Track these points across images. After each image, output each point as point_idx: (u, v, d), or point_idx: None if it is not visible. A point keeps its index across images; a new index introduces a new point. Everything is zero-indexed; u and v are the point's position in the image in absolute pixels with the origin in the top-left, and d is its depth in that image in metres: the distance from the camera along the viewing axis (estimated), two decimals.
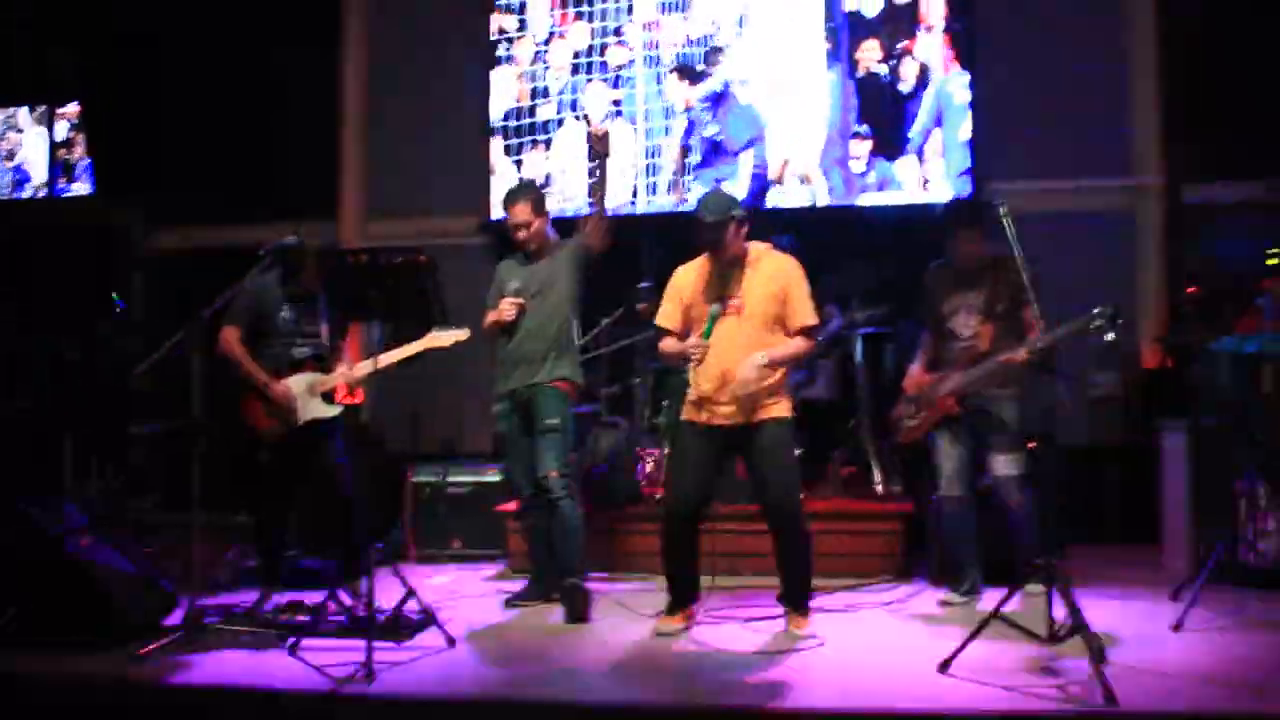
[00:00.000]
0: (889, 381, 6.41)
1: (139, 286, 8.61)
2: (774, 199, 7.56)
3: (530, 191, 5.59)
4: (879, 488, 6.32)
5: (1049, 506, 5.00)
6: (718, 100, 7.60)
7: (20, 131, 9.07)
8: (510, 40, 7.97)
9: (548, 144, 7.84)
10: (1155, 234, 7.40)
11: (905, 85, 7.35)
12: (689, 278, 4.95)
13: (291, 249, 5.44)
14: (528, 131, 7.82)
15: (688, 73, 7.63)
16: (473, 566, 6.57)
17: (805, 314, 4.81)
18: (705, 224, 4.74)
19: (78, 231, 8.46)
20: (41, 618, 4.76)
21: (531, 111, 7.81)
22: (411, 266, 4.59)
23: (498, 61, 7.97)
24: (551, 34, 7.81)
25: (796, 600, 4.87)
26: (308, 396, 5.49)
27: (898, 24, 7.33)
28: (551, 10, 7.83)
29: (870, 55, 7.39)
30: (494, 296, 5.55)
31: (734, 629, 4.95)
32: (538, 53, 7.85)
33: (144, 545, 5.94)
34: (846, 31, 7.41)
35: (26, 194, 9.01)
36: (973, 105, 7.30)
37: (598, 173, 5.23)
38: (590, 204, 5.49)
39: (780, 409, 4.82)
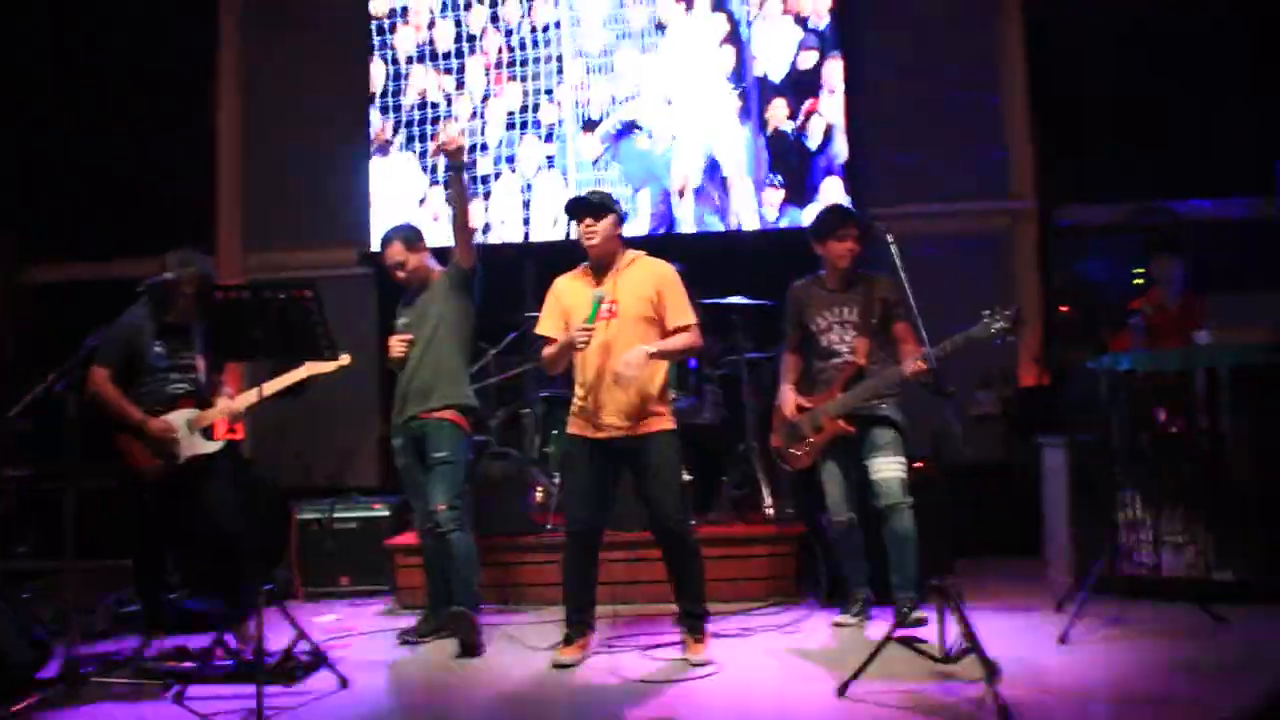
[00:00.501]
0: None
1: (9, 323, 8.29)
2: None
3: (400, 231, 5.48)
4: (769, 510, 6.34)
5: (941, 526, 5.08)
6: (616, 138, 7.92)
7: None
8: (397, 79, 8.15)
9: (487, 195, 8.06)
10: (1029, 255, 7.61)
11: (812, 141, 7.75)
12: (566, 285, 4.96)
13: (165, 283, 5.28)
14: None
15: (590, 125, 8.00)
16: (362, 603, 6.45)
17: (682, 313, 4.81)
18: (586, 201, 4.80)
19: None
20: None
21: (472, 165, 8.01)
22: (296, 301, 4.47)
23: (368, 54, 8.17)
24: (487, 94, 8.13)
25: (693, 622, 4.85)
26: (187, 433, 5.34)
27: (802, 86, 7.75)
28: (487, 72, 8.13)
29: (778, 114, 7.79)
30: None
31: (632, 657, 4.92)
32: (475, 110, 8.13)
33: (18, 594, 5.69)
34: (756, 93, 7.83)
35: None
36: (849, 132, 7.57)
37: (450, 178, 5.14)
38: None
39: (666, 422, 4.83)
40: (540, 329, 4.97)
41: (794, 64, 7.75)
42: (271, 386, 5.29)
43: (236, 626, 5.17)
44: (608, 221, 4.80)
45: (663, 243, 7.15)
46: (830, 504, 5.27)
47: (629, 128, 7.91)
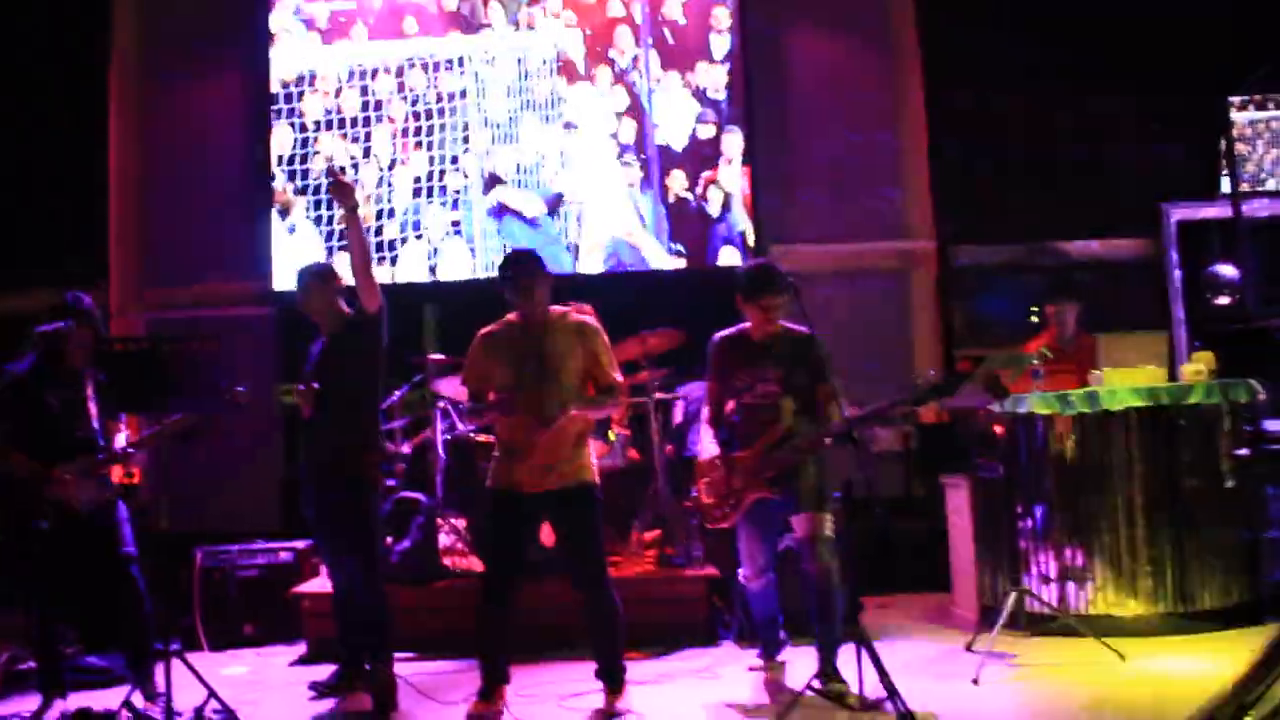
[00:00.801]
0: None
1: None
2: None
3: (307, 274, 5.31)
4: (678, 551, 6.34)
5: (850, 564, 5.14)
6: (497, 214, 8.08)
7: None
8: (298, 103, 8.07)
9: (394, 260, 8.07)
10: (927, 295, 7.77)
11: (712, 209, 7.94)
12: (492, 339, 4.89)
13: (59, 332, 5.12)
14: (376, 250, 7.92)
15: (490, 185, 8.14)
16: (269, 651, 6.29)
17: (610, 372, 4.85)
18: (521, 274, 4.73)
19: None
20: None
21: (379, 230, 8.04)
22: (194, 353, 4.39)
23: (275, 117, 8.09)
24: (394, 161, 8.14)
25: (612, 674, 4.83)
26: (84, 481, 5.17)
27: (702, 157, 7.95)
28: (394, 139, 8.14)
29: (679, 183, 7.96)
30: None
31: (550, 708, 4.89)
32: (381, 178, 8.13)
33: None
34: (658, 162, 7.99)
35: None
36: (751, 168, 7.77)
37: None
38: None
39: (589, 474, 4.83)
40: (464, 382, 4.95)
41: (693, 134, 7.94)
42: (167, 430, 5.12)
43: (142, 684, 5.05)
44: (541, 287, 4.80)
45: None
46: (748, 565, 5.19)
47: (500, 211, 8.06)
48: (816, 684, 4.66)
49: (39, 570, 5.19)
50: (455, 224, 8.08)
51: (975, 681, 4.89)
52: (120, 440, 5.33)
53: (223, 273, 7.95)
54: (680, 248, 7.90)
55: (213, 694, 4.60)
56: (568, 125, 8.02)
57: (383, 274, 7.83)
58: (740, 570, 5.36)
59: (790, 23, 7.97)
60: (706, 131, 7.91)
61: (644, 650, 5.64)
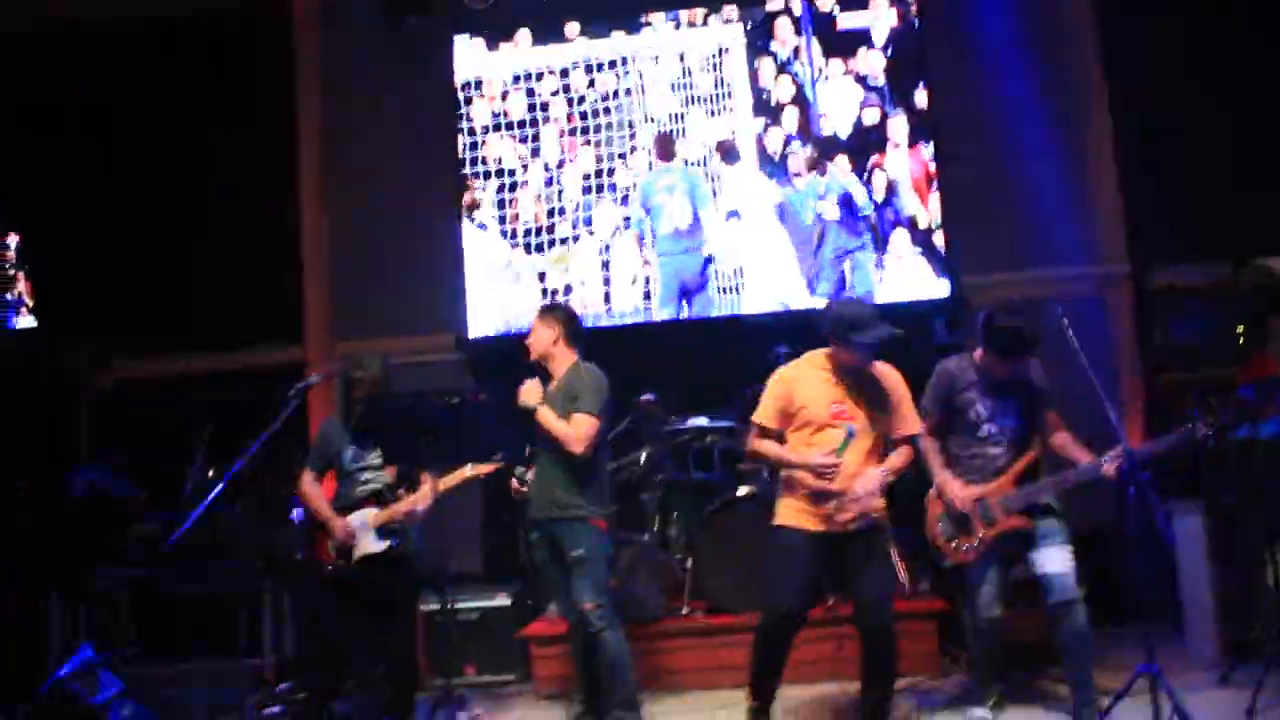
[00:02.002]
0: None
1: (85, 421, 8.22)
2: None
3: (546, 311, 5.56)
4: (904, 585, 6.26)
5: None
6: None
7: None
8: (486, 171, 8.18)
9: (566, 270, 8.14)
10: (1126, 319, 7.62)
11: (877, 195, 7.83)
12: (802, 379, 4.85)
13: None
14: (548, 246, 8.11)
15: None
16: (496, 693, 6.38)
17: (913, 423, 4.85)
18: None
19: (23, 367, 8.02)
20: None
21: (550, 228, 8.13)
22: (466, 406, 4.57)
23: (467, 175, 8.17)
24: (562, 161, 8.20)
25: (880, 712, 4.78)
26: (363, 533, 5.43)
27: (867, 142, 7.88)
28: (560, 138, 8.21)
29: (843, 169, 7.88)
30: None
31: None
32: (550, 177, 8.20)
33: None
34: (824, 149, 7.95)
35: None
36: (943, 206, 7.65)
37: None
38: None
39: (883, 517, 4.84)
40: (758, 418, 4.89)
41: (858, 121, 7.88)
42: (444, 485, 5.45)
43: None
44: None
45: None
46: (982, 601, 5.07)
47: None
48: None
49: (329, 616, 5.43)
50: (625, 219, 8.10)
51: (1250, 714, 4.72)
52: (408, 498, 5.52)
53: (414, 323, 8.06)
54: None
55: None
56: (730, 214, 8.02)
57: (556, 272, 8.03)
58: (971, 603, 5.18)
59: (978, 50, 7.93)
60: (871, 117, 7.85)
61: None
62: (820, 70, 7.96)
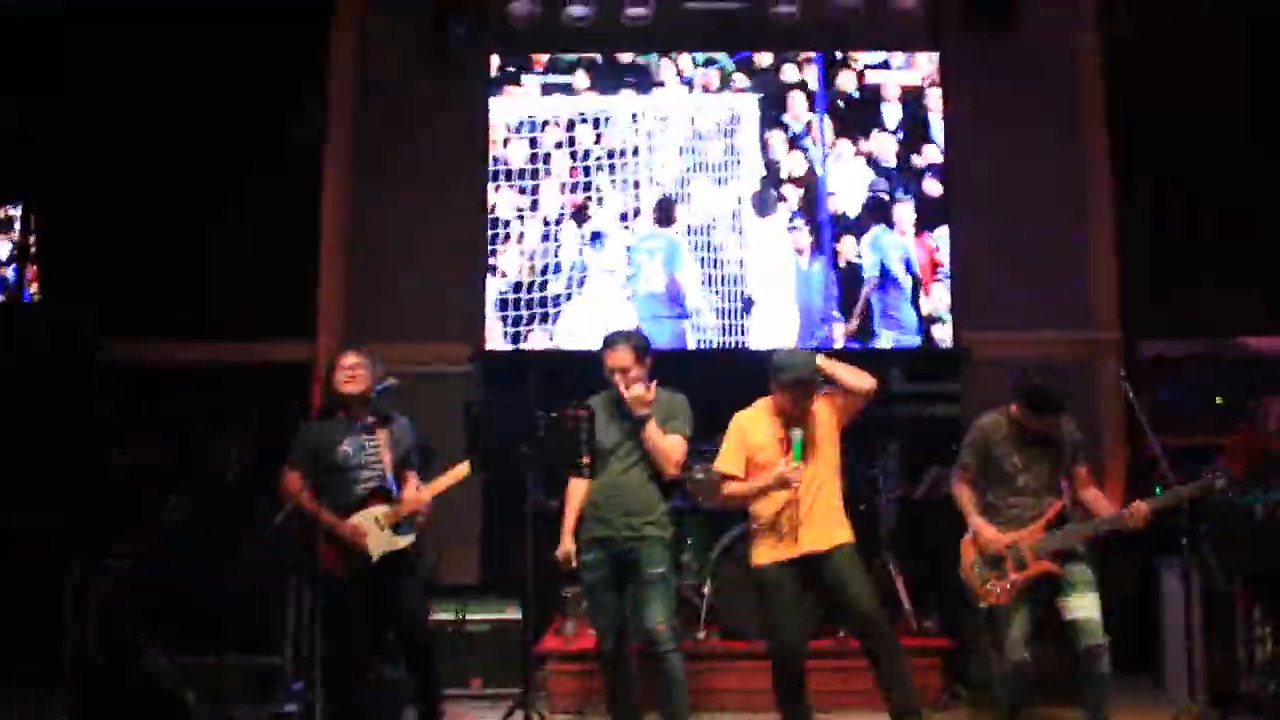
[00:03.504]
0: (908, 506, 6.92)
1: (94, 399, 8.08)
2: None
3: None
4: (910, 621, 6.53)
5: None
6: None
7: None
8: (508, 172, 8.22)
9: (556, 317, 8.14)
10: (1112, 385, 7.96)
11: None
12: (754, 422, 5.27)
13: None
14: (540, 305, 8.15)
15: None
16: (500, 706, 6.37)
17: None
18: (800, 379, 5.09)
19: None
20: None
21: (544, 285, 8.16)
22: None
23: (490, 179, 8.20)
24: (561, 216, 8.23)
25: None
26: (377, 530, 5.35)
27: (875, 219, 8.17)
28: (562, 192, 8.25)
29: (849, 249, 8.16)
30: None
31: None
32: (547, 232, 8.21)
33: None
34: (830, 229, 8.16)
35: None
36: (952, 266, 8.03)
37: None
38: None
39: (849, 534, 5.21)
40: (720, 465, 5.23)
41: (866, 203, 8.15)
42: (443, 483, 5.45)
43: None
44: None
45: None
46: (1012, 642, 5.28)
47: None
48: None
49: (336, 620, 5.37)
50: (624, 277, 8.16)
51: None
52: (411, 489, 5.52)
53: (432, 332, 8.13)
54: (838, 314, 8.07)
55: None
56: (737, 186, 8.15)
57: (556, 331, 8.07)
58: (999, 645, 5.40)
59: (983, 116, 8.23)
60: (879, 199, 8.12)
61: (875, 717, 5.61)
62: (832, 147, 8.20)
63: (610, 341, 5.49)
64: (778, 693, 5.18)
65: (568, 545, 5.51)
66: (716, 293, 8.11)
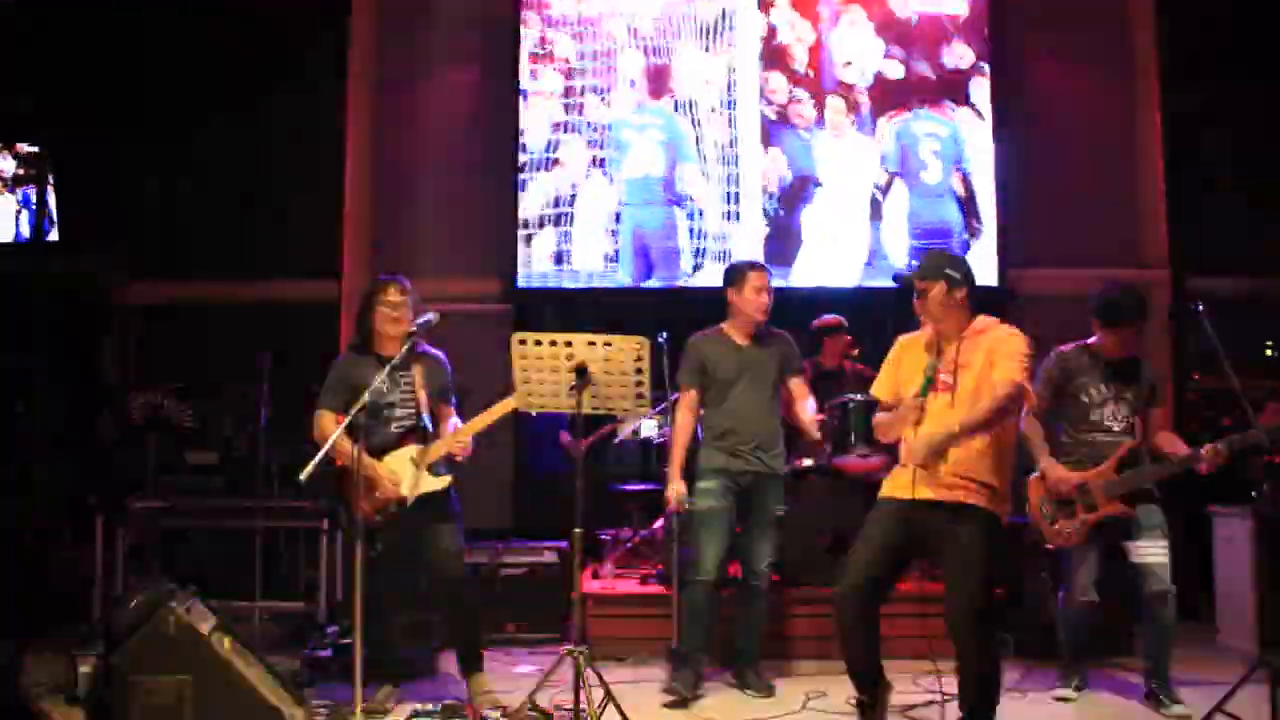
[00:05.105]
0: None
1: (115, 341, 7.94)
2: None
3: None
4: None
5: None
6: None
7: None
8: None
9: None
10: (1160, 323, 7.77)
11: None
12: (908, 348, 4.61)
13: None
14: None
15: None
16: (542, 651, 6.25)
17: (1008, 373, 4.26)
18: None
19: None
20: None
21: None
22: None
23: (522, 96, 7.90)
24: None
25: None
26: (413, 471, 5.09)
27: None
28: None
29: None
30: (694, 373, 5.47)
31: None
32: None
33: None
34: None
35: None
36: (1001, 202, 7.77)
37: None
38: None
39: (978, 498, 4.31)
40: (875, 390, 4.71)
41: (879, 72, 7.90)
42: (485, 420, 5.10)
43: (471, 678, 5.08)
44: (938, 294, 4.41)
45: None
46: (1078, 584, 5.19)
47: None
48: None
49: (370, 558, 5.16)
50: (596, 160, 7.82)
51: None
52: (451, 427, 5.27)
53: (459, 269, 7.90)
54: None
55: (610, 695, 4.54)
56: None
57: None
58: (1063, 591, 5.34)
59: (1034, 52, 8.02)
60: (895, 70, 7.90)
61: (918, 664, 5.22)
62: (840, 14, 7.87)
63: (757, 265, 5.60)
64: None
65: (680, 486, 5.38)
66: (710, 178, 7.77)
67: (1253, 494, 6.32)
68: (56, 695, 4.34)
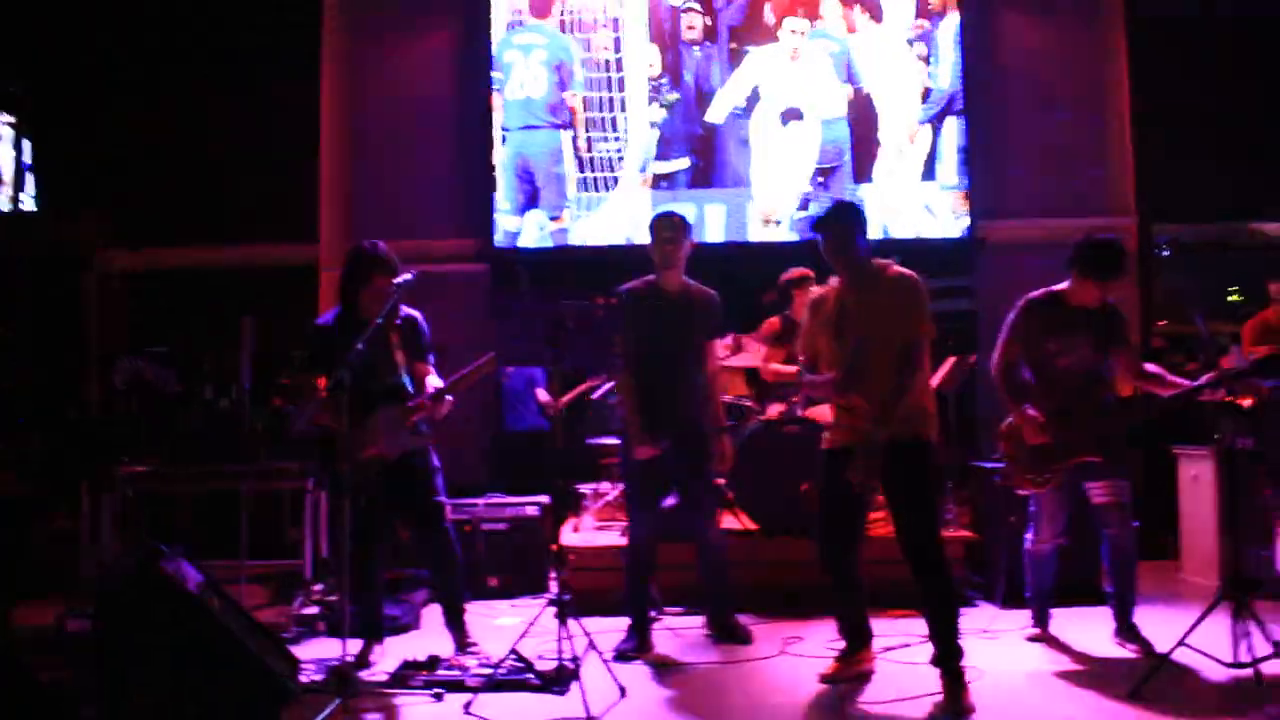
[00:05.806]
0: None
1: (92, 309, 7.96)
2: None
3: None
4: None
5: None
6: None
7: None
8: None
9: None
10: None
11: None
12: (818, 307, 4.82)
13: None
14: None
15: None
16: (524, 604, 6.36)
17: (914, 328, 4.62)
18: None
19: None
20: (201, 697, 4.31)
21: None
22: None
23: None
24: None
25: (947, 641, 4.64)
26: (394, 430, 5.18)
27: None
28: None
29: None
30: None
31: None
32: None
33: None
34: None
35: None
36: (965, 151, 7.88)
37: None
38: None
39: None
40: (799, 349, 4.92)
41: None
42: (464, 379, 5.15)
43: (456, 633, 5.21)
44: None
45: None
46: (1044, 530, 5.32)
47: None
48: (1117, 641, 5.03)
49: (355, 519, 5.24)
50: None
51: None
52: (430, 385, 5.36)
53: (435, 229, 7.95)
54: None
55: (594, 646, 4.66)
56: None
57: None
58: (1031, 534, 5.41)
59: (1002, 3, 8.09)
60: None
61: (900, 609, 5.62)
62: None
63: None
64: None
65: (651, 442, 5.35)
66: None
67: (1214, 435, 6.44)
68: None
